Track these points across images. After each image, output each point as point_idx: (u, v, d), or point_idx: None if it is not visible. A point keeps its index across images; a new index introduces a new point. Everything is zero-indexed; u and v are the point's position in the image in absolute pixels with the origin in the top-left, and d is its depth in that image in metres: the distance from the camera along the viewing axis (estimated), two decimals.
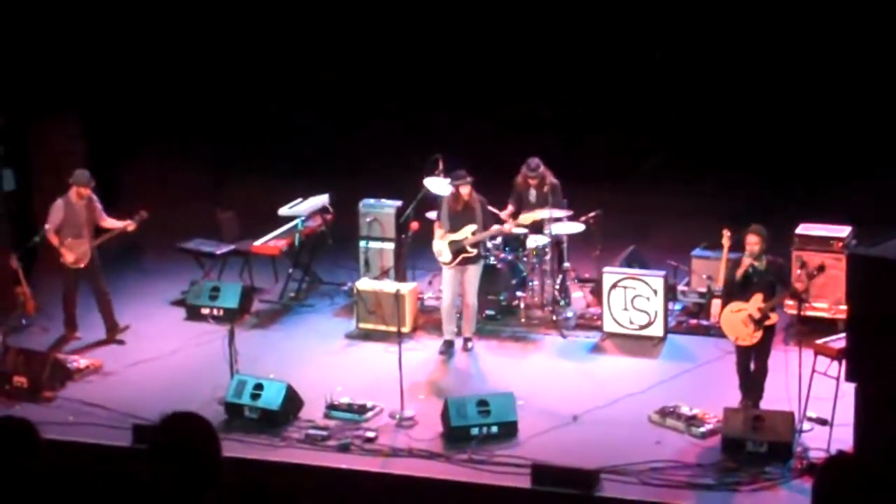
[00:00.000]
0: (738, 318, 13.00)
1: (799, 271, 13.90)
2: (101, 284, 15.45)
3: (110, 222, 15.42)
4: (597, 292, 15.79)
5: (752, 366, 13.17)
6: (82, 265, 15.17)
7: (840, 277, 14.04)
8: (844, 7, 18.87)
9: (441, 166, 16.10)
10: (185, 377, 14.41)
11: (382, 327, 15.37)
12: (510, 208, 15.89)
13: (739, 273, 12.95)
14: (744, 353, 13.15)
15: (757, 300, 12.87)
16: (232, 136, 20.96)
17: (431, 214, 15.53)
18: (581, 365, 14.80)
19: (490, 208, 15.20)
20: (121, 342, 15.40)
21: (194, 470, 5.14)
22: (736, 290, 13.05)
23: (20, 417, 5.48)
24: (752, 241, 12.90)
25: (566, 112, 20.16)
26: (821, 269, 13.47)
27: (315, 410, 13.40)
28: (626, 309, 15.22)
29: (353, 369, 14.66)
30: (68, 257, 15.09)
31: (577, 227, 15.96)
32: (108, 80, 19.47)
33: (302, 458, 12.63)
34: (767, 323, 12.93)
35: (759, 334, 12.94)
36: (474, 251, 14.85)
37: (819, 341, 12.99)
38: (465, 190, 14.76)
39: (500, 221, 15.31)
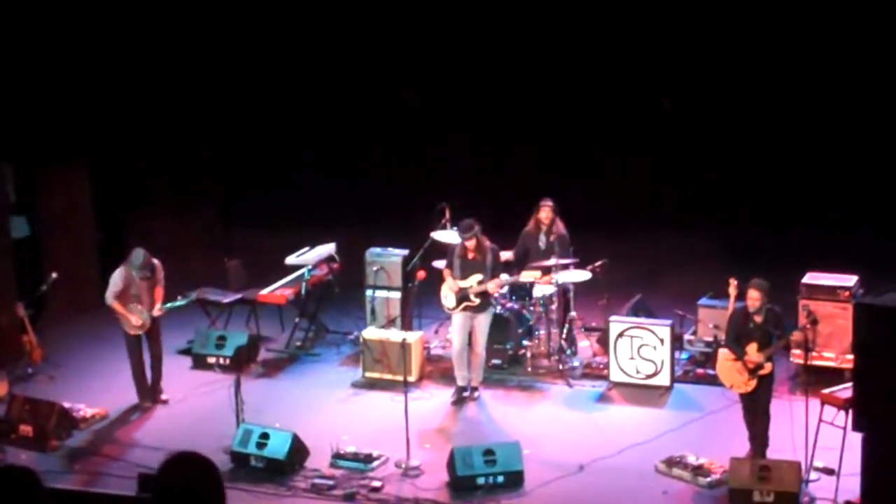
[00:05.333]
0: (733, 367, 13.02)
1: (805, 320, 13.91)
2: (158, 349, 15.09)
3: (158, 294, 14.85)
4: (603, 341, 15.77)
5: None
6: (144, 330, 14.82)
7: (847, 327, 14.03)
8: (852, 56, 18.96)
9: (448, 215, 16.14)
10: (190, 426, 14.40)
11: (388, 376, 15.37)
12: (509, 254, 15.84)
13: (742, 327, 12.96)
14: (748, 403, 13.13)
15: (752, 349, 12.87)
16: (239, 185, 21.04)
17: (438, 263, 15.53)
18: (587, 414, 14.76)
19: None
20: (164, 402, 15.17)
21: None
22: (735, 339, 13.06)
23: (22, 466, 5.48)
24: (754, 297, 12.88)
25: (573, 161, 20.23)
26: (814, 322, 13.47)
27: (321, 459, 13.36)
28: (632, 358, 15.19)
29: (359, 418, 14.63)
30: (133, 322, 14.73)
31: (584, 276, 15.96)
32: (117, 129, 19.55)
33: None
34: (761, 372, 12.92)
35: (753, 383, 12.94)
36: (477, 300, 14.84)
37: (826, 391, 12.94)
38: (471, 244, 14.76)
39: (507, 269, 15.39)
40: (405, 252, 16.72)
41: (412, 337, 15.50)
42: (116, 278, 14.74)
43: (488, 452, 12.94)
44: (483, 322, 14.98)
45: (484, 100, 20.73)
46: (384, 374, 15.51)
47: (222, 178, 20.96)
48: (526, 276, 15.30)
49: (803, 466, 12.44)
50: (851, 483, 11.94)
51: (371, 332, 15.93)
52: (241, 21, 20.82)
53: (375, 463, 13.30)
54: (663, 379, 15.13)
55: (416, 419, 13.68)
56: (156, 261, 14.87)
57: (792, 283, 15.11)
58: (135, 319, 14.73)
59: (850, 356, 13.20)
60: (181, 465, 5.20)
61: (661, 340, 15.10)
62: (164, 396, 15.17)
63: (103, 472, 13.40)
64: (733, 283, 13.82)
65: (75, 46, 17.93)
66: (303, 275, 16.85)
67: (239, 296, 17.24)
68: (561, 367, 15.63)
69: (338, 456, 13.38)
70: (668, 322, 15.41)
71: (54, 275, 16.19)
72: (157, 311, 14.86)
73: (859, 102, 19.17)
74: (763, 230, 19.18)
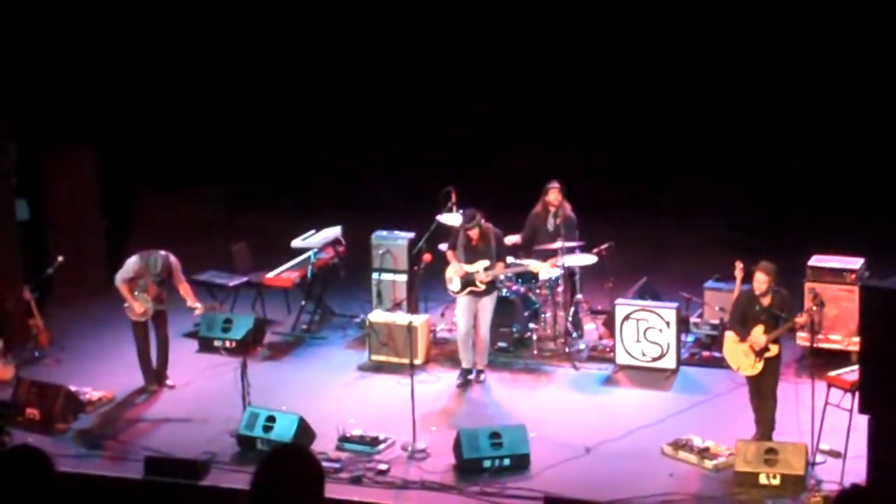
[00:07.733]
0: (739, 349, 13.02)
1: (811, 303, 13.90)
2: (165, 334, 15.06)
3: (184, 290, 14.85)
4: (609, 324, 15.76)
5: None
6: (147, 318, 14.79)
7: (853, 310, 14.01)
8: (855, 36, 18.93)
9: (454, 198, 16.12)
10: (197, 409, 14.40)
11: (395, 359, 15.37)
12: (517, 238, 15.87)
13: (748, 309, 12.95)
14: (755, 385, 13.13)
15: (758, 332, 12.86)
16: (245, 168, 21.04)
17: (444, 246, 15.51)
18: (593, 397, 14.77)
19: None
20: (170, 387, 15.10)
21: None
22: (739, 320, 13.06)
23: (35, 447, 5.48)
24: (761, 280, 12.86)
25: (578, 145, 20.21)
26: (820, 304, 13.48)
27: (327, 442, 13.35)
28: (638, 341, 15.19)
29: (366, 401, 14.64)
30: (136, 309, 14.72)
31: (590, 259, 15.95)
32: (123, 112, 19.56)
33: None
34: (767, 355, 12.91)
35: (760, 365, 12.93)
36: (483, 286, 14.84)
37: (832, 373, 12.95)
38: (474, 233, 14.75)
39: (515, 252, 15.40)
40: (411, 235, 16.71)
41: (418, 320, 15.49)
42: (129, 266, 14.71)
43: (494, 435, 12.95)
44: (487, 305, 14.98)
45: (489, 83, 20.70)
46: (390, 357, 15.51)
47: (228, 160, 20.95)
48: (532, 266, 15.26)
49: (809, 449, 12.45)
50: (858, 466, 11.92)
51: (377, 315, 15.94)
52: (246, 4, 20.80)
53: (381, 446, 13.31)
54: (669, 362, 15.13)
55: (422, 402, 13.67)
56: (172, 260, 14.80)
57: (798, 265, 15.09)
58: (138, 307, 14.71)
59: (857, 339, 13.19)
60: (282, 460, 5.19)
61: (668, 323, 15.09)
62: (169, 382, 15.15)
63: (110, 455, 13.41)
64: (739, 265, 13.81)
65: (83, 28, 17.92)
66: (309, 258, 16.85)
67: (245, 279, 17.24)
68: (567, 349, 15.62)
69: (344, 439, 13.38)
70: (675, 305, 15.40)
71: (60, 258, 16.19)
72: (197, 311, 14.94)
73: (863, 84, 19.13)
74: (770, 213, 19.15)
